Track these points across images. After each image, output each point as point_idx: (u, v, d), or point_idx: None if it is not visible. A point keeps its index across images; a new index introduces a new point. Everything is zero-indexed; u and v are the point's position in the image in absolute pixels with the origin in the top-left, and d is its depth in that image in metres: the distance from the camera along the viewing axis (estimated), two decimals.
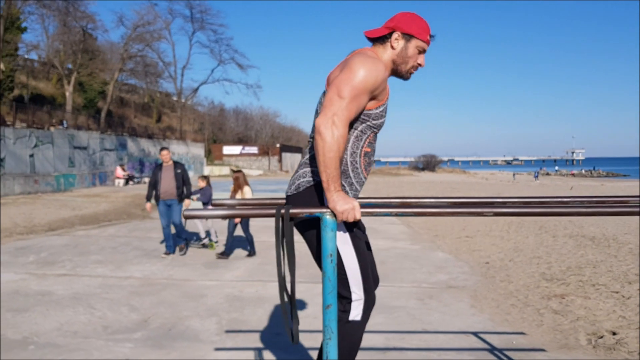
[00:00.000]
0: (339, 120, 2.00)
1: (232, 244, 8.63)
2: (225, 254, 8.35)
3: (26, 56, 39.67)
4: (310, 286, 6.60)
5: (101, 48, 42.41)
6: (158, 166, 8.72)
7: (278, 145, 58.41)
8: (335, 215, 1.93)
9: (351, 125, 2.20)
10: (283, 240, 2.13)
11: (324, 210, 1.95)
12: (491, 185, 36.55)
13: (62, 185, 26.45)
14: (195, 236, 9.80)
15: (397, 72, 2.36)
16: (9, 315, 5.22)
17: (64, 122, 30.00)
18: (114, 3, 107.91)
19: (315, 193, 2.23)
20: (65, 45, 36.57)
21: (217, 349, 4.40)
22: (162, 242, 9.61)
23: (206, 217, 1.99)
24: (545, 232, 11.14)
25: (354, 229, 2.28)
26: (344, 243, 2.24)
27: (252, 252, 8.60)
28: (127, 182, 32.81)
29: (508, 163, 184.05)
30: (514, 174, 63.68)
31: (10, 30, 31.79)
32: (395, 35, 2.30)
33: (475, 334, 4.83)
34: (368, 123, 2.23)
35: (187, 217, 1.97)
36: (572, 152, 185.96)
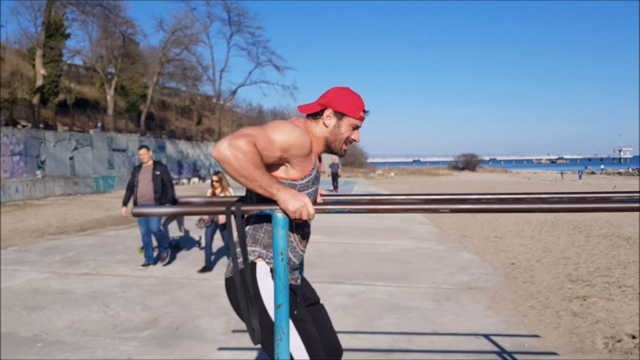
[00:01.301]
0: (237, 139, 1.89)
1: (211, 254, 7.65)
2: (208, 267, 7.47)
3: (69, 62, 40.88)
4: (326, 286, 6.54)
5: (142, 52, 43.40)
6: (137, 167, 7.95)
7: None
8: (287, 214, 1.88)
9: None
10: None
11: (275, 207, 1.89)
12: (532, 184, 35.66)
13: (102, 186, 27.13)
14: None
15: (331, 148, 2.31)
16: (25, 312, 5.35)
17: (99, 124, 30.73)
18: (154, 8, 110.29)
19: (250, 275, 2.12)
20: (107, 50, 37.56)
21: (220, 349, 4.39)
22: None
23: (155, 215, 1.96)
24: (579, 232, 10.77)
25: (295, 311, 2.14)
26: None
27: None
28: None
29: (552, 162, 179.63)
30: (561, 173, 61.76)
31: (55, 36, 32.86)
32: (327, 112, 2.25)
33: (486, 336, 4.69)
34: None
35: (135, 215, 1.95)
36: (619, 150, 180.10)
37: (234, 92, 56.94)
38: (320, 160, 2.35)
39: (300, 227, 2.23)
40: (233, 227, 2.09)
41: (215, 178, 7.62)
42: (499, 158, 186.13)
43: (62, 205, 18.31)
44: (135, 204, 7.63)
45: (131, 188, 7.79)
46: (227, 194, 7.47)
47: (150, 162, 7.82)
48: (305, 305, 2.33)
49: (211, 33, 72.87)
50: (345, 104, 2.23)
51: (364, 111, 2.29)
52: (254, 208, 1.91)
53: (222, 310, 5.47)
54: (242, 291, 2.04)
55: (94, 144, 27.20)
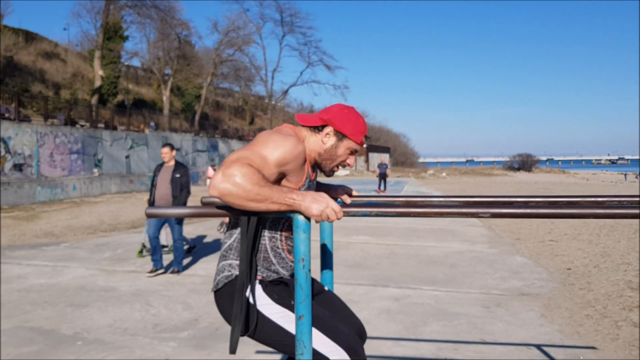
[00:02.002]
0: (229, 168, 1.71)
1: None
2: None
3: (127, 63, 42.15)
4: (370, 289, 6.37)
5: (197, 54, 44.29)
6: (158, 166, 7.42)
7: (365, 146, 58.21)
8: (308, 218, 1.72)
9: None
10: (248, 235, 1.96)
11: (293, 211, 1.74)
12: (591, 186, 34.26)
13: None
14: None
15: (320, 165, 2.14)
16: (69, 310, 5.41)
17: (152, 123, 31.49)
18: (209, 10, 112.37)
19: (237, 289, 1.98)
20: (164, 51, 38.50)
21: (259, 352, 4.29)
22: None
23: (169, 216, 1.85)
24: None
25: (292, 301, 2.01)
26: (291, 322, 1.97)
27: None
28: None
29: (612, 162, 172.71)
30: (625, 174, 59.09)
31: (114, 39, 33.95)
32: (327, 129, 2.08)
33: (538, 346, 4.41)
34: None
35: (149, 216, 1.84)
36: None
37: (285, 92, 57.35)
38: (314, 169, 2.16)
39: (290, 239, 2.09)
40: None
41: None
42: (556, 158, 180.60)
43: (117, 203, 18.81)
44: (151, 205, 6.50)
45: (152, 188, 7.38)
46: None
47: (172, 162, 7.32)
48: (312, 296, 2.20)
49: (264, 34, 73.62)
50: (349, 125, 2.07)
51: (365, 137, 2.15)
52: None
53: None
54: (237, 300, 1.93)
55: (149, 143, 27.90)
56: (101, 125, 25.25)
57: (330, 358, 1.95)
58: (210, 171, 34.10)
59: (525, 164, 71.84)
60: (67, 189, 21.05)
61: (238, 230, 2.05)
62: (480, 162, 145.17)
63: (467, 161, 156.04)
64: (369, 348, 4.28)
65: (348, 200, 2.40)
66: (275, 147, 1.87)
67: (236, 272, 2.01)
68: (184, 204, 6.97)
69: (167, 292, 6.19)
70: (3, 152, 18.04)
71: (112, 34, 33.77)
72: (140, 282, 6.71)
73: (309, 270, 1.70)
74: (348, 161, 2.14)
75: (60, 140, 21.05)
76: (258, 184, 1.69)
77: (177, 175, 7.17)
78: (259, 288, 2.01)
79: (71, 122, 22.80)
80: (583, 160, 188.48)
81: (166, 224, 7.70)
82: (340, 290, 6.17)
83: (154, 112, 36.04)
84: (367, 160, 58.13)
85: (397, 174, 57.42)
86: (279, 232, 2.05)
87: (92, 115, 25.01)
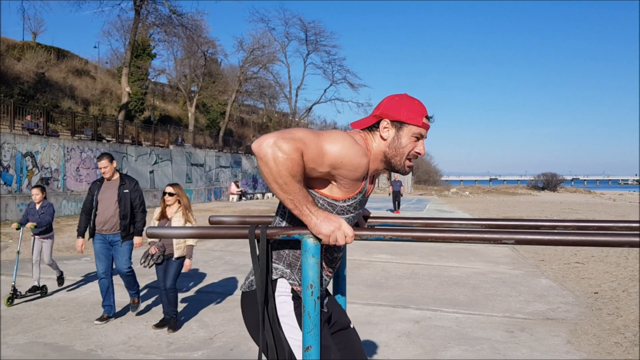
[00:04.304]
0: (284, 140, 1.63)
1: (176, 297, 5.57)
2: (167, 321, 5.39)
3: (154, 80, 42.86)
4: (390, 309, 6.23)
5: (222, 71, 44.86)
6: (95, 183, 5.92)
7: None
8: (318, 239, 1.63)
9: None
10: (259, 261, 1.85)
11: (304, 231, 1.66)
12: (617, 207, 33.46)
13: None
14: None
15: (392, 165, 1.98)
16: (85, 325, 5.38)
17: (179, 138, 31.83)
18: (235, 29, 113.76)
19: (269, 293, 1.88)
20: (190, 68, 39.08)
21: None
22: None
23: (174, 236, 1.78)
24: None
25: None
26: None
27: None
28: (240, 198, 34.10)
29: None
30: None
31: (142, 56, 34.58)
32: (383, 123, 1.94)
33: None
34: None
35: (150, 236, 1.78)
36: None
37: (309, 110, 57.55)
38: (373, 182, 2.04)
39: (329, 250, 1.95)
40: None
41: (169, 189, 5.55)
42: (582, 178, 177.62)
43: None
44: (92, 234, 5.71)
45: (88, 212, 5.74)
46: (185, 216, 5.51)
47: (116, 177, 5.85)
48: (333, 331, 2.06)
49: (288, 52, 74.25)
50: (403, 110, 1.92)
51: (427, 117, 1.97)
52: (281, 232, 1.69)
53: None
54: (261, 312, 1.82)
55: (173, 159, 28.17)
56: (127, 140, 25.59)
57: None
58: (233, 187, 34.39)
59: (549, 183, 70.67)
60: None
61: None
62: (504, 180, 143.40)
63: (490, 180, 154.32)
64: None
65: (364, 223, 2.30)
66: (339, 147, 1.75)
67: (274, 276, 1.89)
68: (141, 229, 5.76)
69: (184, 310, 6.13)
70: (31, 166, 18.37)
71: (140, 51, 34.42)
72: (157, 298, 6.66)
73: (318, 298, 1.61)
74: (416, 150, 1.97)
75: (86, 154, 21.36)
76: (294, 176, 1.63)
77: (126, 191, 5.71)
78: (290, 303, 1.87)
79: (98, 137, 23.13)
80: (609, 180, 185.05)
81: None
82: (360, 311, 6.04)
83: (179, 128, 36.46)
84: (389, 178, 57.77)
85: (420, 191, 56.96)
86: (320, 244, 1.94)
87: (118, 130, 25.37)
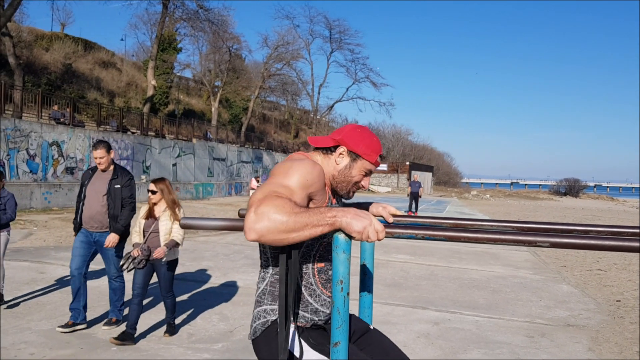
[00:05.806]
0: (259, 205, 1.60)
1: (141, 310, 4.91)
2: (130, 334, 4.68)
3: (180, 74, 43.25)
4: (409, 310, 6.22)
5: (246, 67, 45.10)
6: (88, 172, 5.29)
7: (408, 163, 57.70)
8: (350, 236, 1.63)
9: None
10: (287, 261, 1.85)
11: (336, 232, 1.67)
12: None
13: (201, 193, 28.26)
14: None
15: (335, 189, 2.04)
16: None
17: (208, 133, 32.11)
18: (260, 25, 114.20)
19: (275, 336, 1.87)
20: (215, 63, 39.36)
21: None
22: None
23: (208, 228, 1.81)
24: None
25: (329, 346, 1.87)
26: None
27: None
28: None
29: None
30: None
31: (168, 50, 34.92)
32: (340, 149, 2.01)
33: None
34: None
35: (183, 227, 1.80)
36: None
37: (330, 107, 57.63)
38: (333, 193, 2.07)
39: (322, 272, 1.96)
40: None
41: (151, 187, 4.98)
42: (604, 184, 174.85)
43: None
44: (77, 228, 5.15)
45: (77, 204, 5.20)
46: (173, 215, 4.94)
47: (111, 168, 5.22)
48: (354, 340, 2.07)
49: (312, 49, 74.12)
50: (362, 144, 2.00)
51: (381, 156, 2.07)
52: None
53: None
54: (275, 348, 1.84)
55: (196, 152, 28.44)
56: (151, 133, 25.88)
57: None
58: (253, 182, 34.47)
59: (572, 189, 69.60)
60: None
61: (270, 273, 1.95)
62: (525, 184, 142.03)
63: (511, 183, 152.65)
64: None
65: (391, 219, 2.29)
66: (294, 173, 1.80)
67: (271, 317, 1.91)
68: (124, 225, 5.08)
69: (204, 302, 6.19)
70: (57, 155, 18.66)
71: (167, 45, 34.75)
72: (178, 289, 6.74)
73: (347, 294, 1.62)
74: (362, 183, 2.07)
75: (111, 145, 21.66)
76: (293, 212, 1.59)
77: (117, 186, 5.09)
78: (294, 334, 1.90)
79: (123, 129, 23.43)
80: (633, 187, 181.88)
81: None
82: (378, 310, 6.05)
83: (203, 122, 36.75)
84: (409, 178, 57.54)
85: (439, 193, 56.63)
86: (310, 266, 1.94)
87: (143, 123, 25.67)
